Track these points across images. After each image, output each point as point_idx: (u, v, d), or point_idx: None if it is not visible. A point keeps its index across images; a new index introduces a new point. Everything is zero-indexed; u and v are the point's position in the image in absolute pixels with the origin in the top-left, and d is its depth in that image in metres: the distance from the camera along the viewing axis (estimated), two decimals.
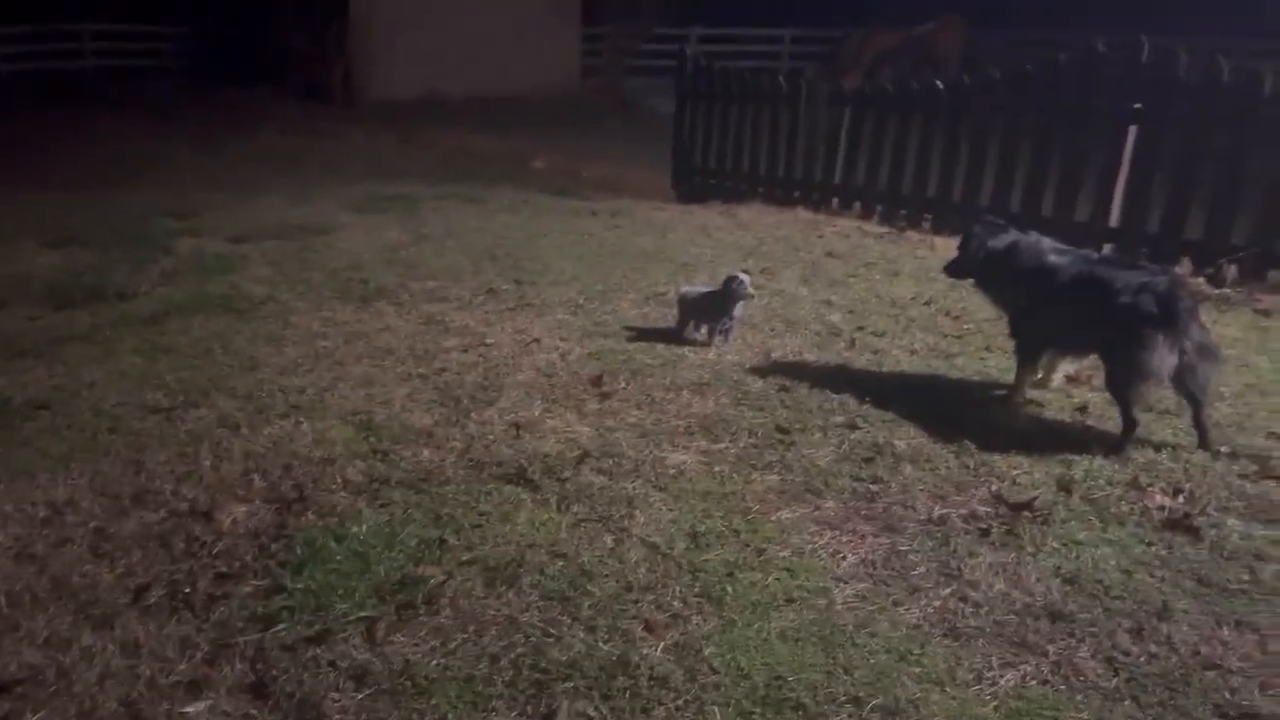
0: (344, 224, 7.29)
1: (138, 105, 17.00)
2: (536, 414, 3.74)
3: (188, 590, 2.59)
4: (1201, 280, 5.68)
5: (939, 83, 7.62)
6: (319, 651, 2.34)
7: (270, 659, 2.32)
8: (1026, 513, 3.02)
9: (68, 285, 5.47)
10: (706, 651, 2.36)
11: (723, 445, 3.50)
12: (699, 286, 4.81)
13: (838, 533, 2.94)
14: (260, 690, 2.23)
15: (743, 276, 4.50)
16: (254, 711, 2.17)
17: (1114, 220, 6.42)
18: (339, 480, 3.18)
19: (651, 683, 2.25)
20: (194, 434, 3.51)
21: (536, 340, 4.58)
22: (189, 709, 2.17)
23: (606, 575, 2.68)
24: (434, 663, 2.31)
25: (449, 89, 18.92)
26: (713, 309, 4.56)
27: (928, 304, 5.24)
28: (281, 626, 2.43)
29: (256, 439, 3.47)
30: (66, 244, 6.48)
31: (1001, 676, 2.31)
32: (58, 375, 4.09)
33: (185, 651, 2.35)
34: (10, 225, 6.94)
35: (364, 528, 2.87)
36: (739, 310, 4.53)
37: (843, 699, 2.22)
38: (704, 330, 4.61)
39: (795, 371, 4.21)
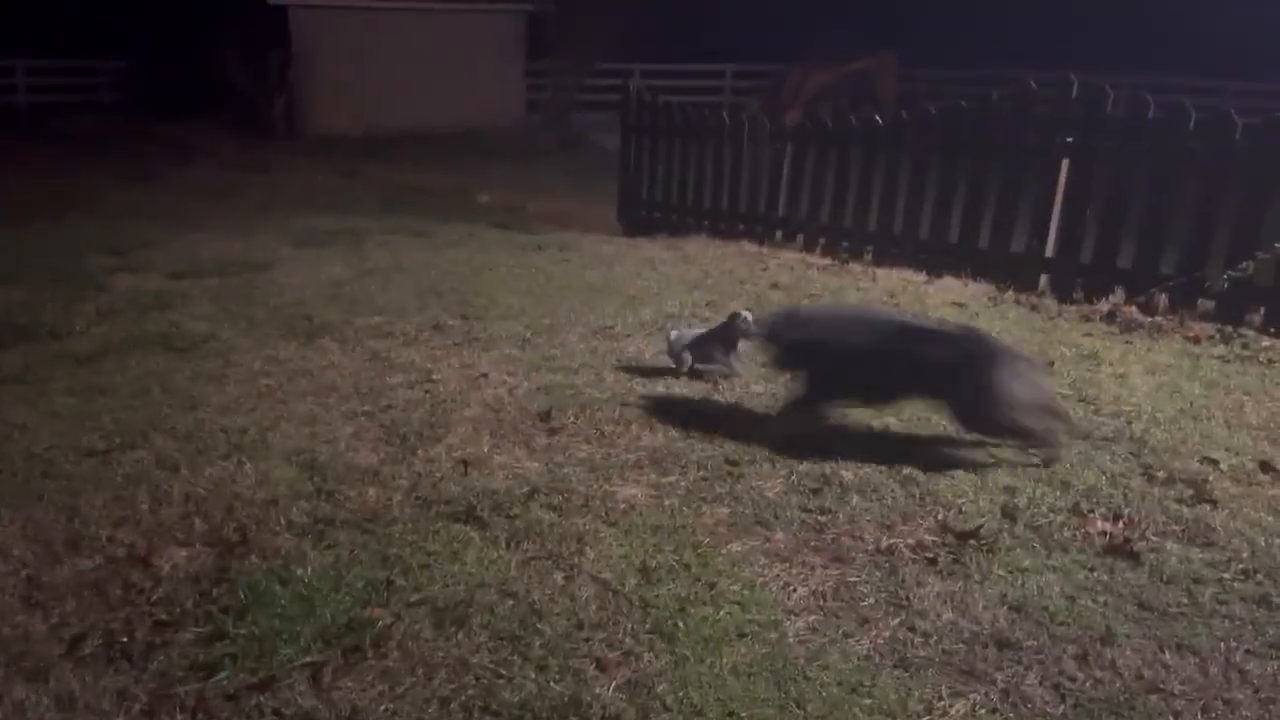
0: (286, 259, 7.21)
1: (72, 139, 16.68)
2: (485, 450, 3.71)
3: (125, 639, 2.51)
4: (1134, 309, 5.83)
5: (877, 118, 7.78)
6: (263, 699, 2.28)
7: (212, 709, 2.26)
8: (972, 541, 3.06)
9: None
10: (659, 689, 2.35)
11: (672, 478, 3.50)
12: (690, 329, 4.75)
13: (788, 565, 2.95)
14: None
15: (745, 314, 4.48)
16: None
17: (1050, 250, 6.59)
18: (283, 521, 3.12)
19: None
20: (131, 476, 3.42)
21: (484, 375, 4.55)
22: None
23: (557, 613, 2.65)
24: (382, 708, 2.27)
25: (392, 123, 18.87)
26: (715, 348, 4.52)
27: None
28: (224, 674, 2.37)
29: (197, 480, 3.39)
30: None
31: (951, 706, 2.33)
32: None
33: (123, 703, 2.28)
34: None
35: (309, 570, 2.81)
36: (743, 348, 4.52)
37: None
38: (705, 368, 4.55)
39: (743, 403, 4.23)
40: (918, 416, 4.09)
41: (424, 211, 10.86)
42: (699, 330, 4.69)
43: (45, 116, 18.90)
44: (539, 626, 2.59)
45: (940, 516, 3.24)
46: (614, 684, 2.36)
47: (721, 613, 2.67)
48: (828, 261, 7.54)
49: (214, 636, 2.51)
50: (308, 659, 2.42)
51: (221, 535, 3.03)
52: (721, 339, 4.52)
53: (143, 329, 5.27)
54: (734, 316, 4.49)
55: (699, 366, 4.54)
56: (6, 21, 18.85)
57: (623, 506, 3.27)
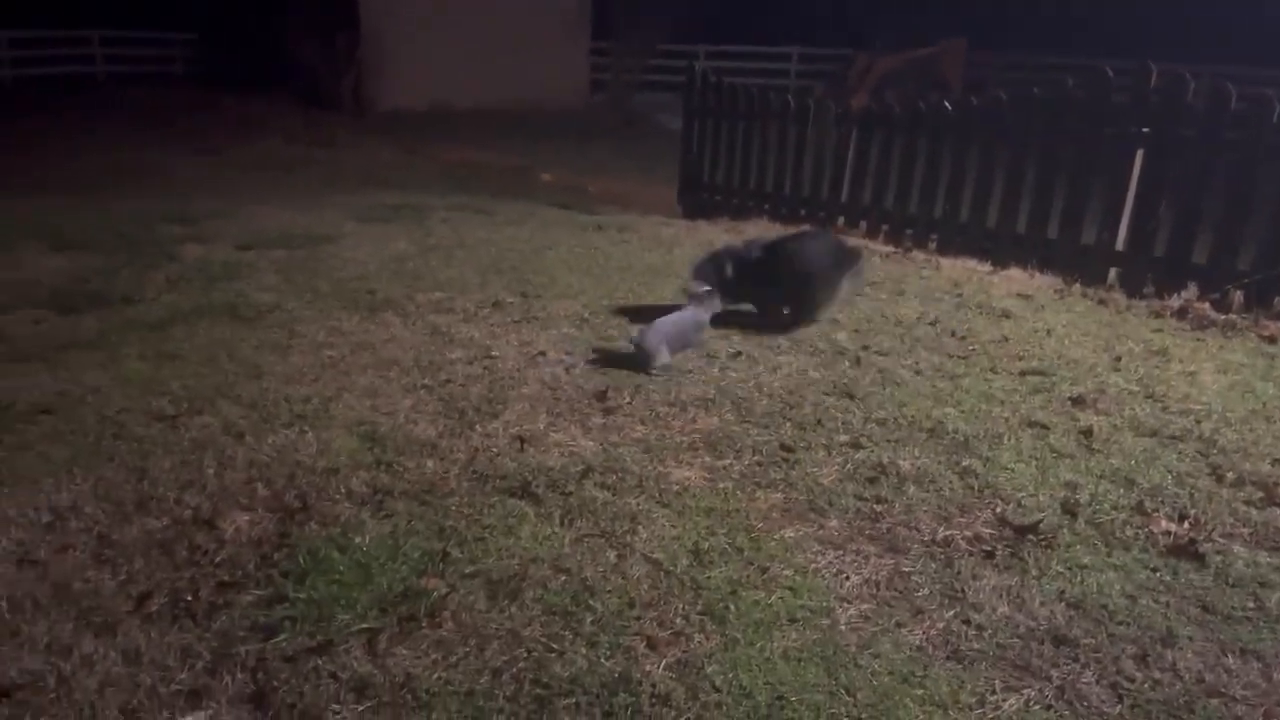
0: (350, 233, 7.31)
1: (144, 111, 17.06)
2: (541, 427, 3.73)
3: (189, 598, 2.58)
4: (1207, 305, 5.67)
5: (946, 104, 7.64)
6: (320, 662, 2.33)
7: (271, 669, 2.31)
8: (1031, 536, 3.01)
9: (73, 290, 5.47)
10: (709, 670, 2.35)
11: (726, 462, 3.49)
12: (653, 324, 4.49)
13: (841, 552, 2.93)
14: (261, 700, 2.22)
15: (699, 286, 4.80)
16: None
17: (1120, 243, 6.43)
18: (343, 490, 3.17)
19: (653, 700, 2.24)
20: (198, 441, 3.51)
21: (542, 353, 4.58)
22: (188, 718, 2.16)
23: (609, 591, 2.67)
24: (435, 676, 2.30)
25: (457, 101, 19.01)
26: (689, 330, 4.60)
27: (933, 324, 5.24)
28: (283, 637, 2.42)
29: (261, 447, 3.47)
30: (72, 249, 6.49)
31: (1005, 701, 2.30)
32: (62, 380, 4.08)
33: (186, 660, 2.34)
34: (16, 229, 6.95)
35: (367, 538, 2.86)
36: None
37: None
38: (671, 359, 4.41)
39: (800, 390, 4.21)
40: (977, 408, 4.03)
41: (486, 189, 10.93)
42: (664, 321, 4.53)
43: (119, 87, 19.36)
44: (591, 603, 2.61)
45: (999, 510, 3.19)
46: (664, 663, 2.37)
47: (773, 597, 2.67)
48: (890, 249, 7.46)
49: (274, 599, 2.57)
50: (364, 625, 2.47)
51: (283, 501, 3.09)
52: (694, 320, 4.62)
53: (211, 298, 5.38)
54: (699, 296, 4.70)
55: (664, 363, 4.37)
56: None
57: (676, 488, 3.28)
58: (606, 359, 4.49)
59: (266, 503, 3.09)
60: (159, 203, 8.77)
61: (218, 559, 2.77)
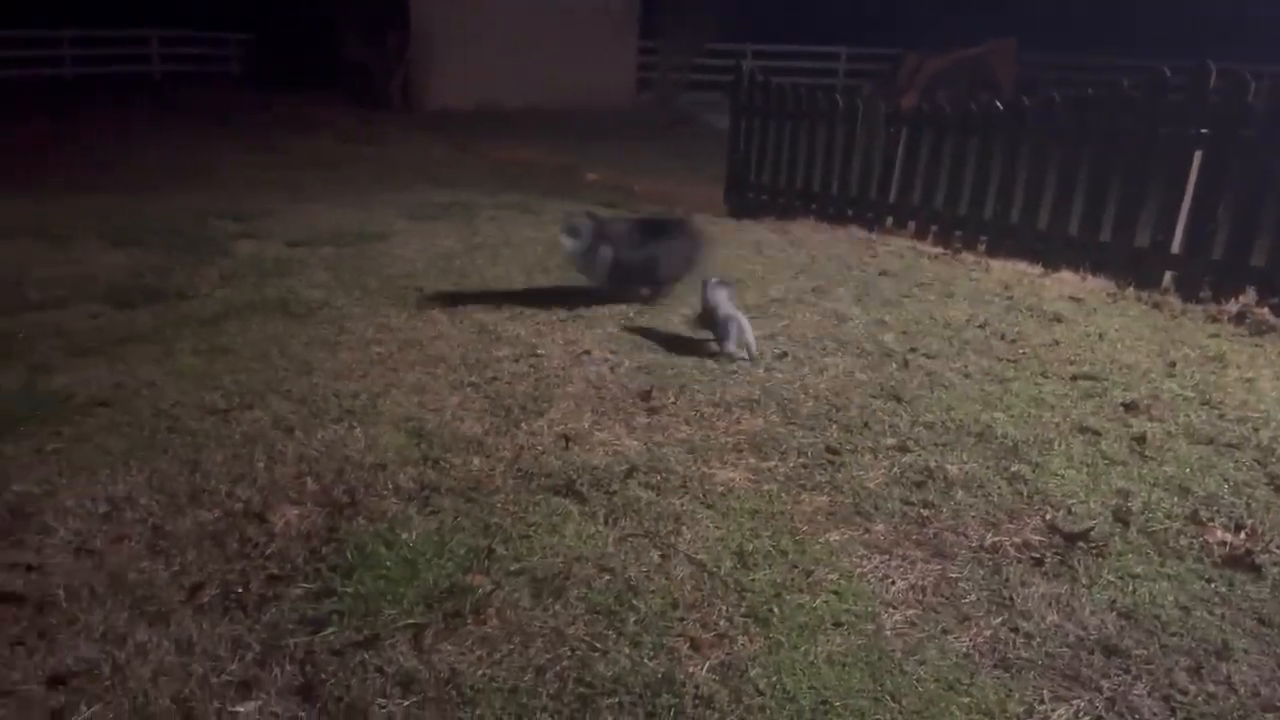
0: (399, 231, 7.38)
1: (200, 110, 17.37)
2: (586, 426, 3.75)
3: (240, 590, 2.62)
4: (1266, 310, 5.54)
5: (998, 104, 7.54)
6: (367, 657, 2.36)
7: (319, 662, 2.34)
8: (1081, 544, 2.96)
9: (129, 285, 5.59)
10: (752, 672, 2.35)
11: (771, 464, 3.48)
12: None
13: (887, 557, 2.90)
14: (309, 693, 2.25)
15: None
16: (302, 714, 2.19)
17: (1176, 246, 6.30)
18: (390, 486, 3.21)
19: (696, 702, 2.24)
20: (249, 435, 3.57)
21: (587, 352, 4.59)
22: (239, 709, 2.19)
23: (653, 591, 2.67)
24: (480, 672, 2.32)
25: (505, 100, 19.13)
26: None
27: (982, 327, 5.18)
28: (331, 630, 2.45)
29: (310, 442, 3.52)
30: (128, 244, 6.63)
31: (1053, 711, 2.26)
32: (119, 374, 4.17)
33: (237, 651, 2.38)
34: (74, 225, 7.11)
35: (413, 534, 2.89)
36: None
37: None
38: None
39: (847, 392, 4.18)
40: (1027, 413, 3.98)
41: (533, 188, 10.99)
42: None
43: (176, 87, 19.73)
44: (634, 603, 2.61)
45: (1048, 516, 3.15)
46: (707, 665, 2.37)
47: (818, 601, 2.65)
48: (939, 250, 7.38)
49: (322, 593, 2.60)
50: (410, 621, 2.49)
51: (332, 496, 3.13)
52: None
53: (262, 294, 5.47)
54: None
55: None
56: None
57: (721, 489, 3.27)
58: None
59: (315, 497, 3.13)
60: (213, 200, 8.94)
61: (267, 552, 2.81)
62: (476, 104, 18.97)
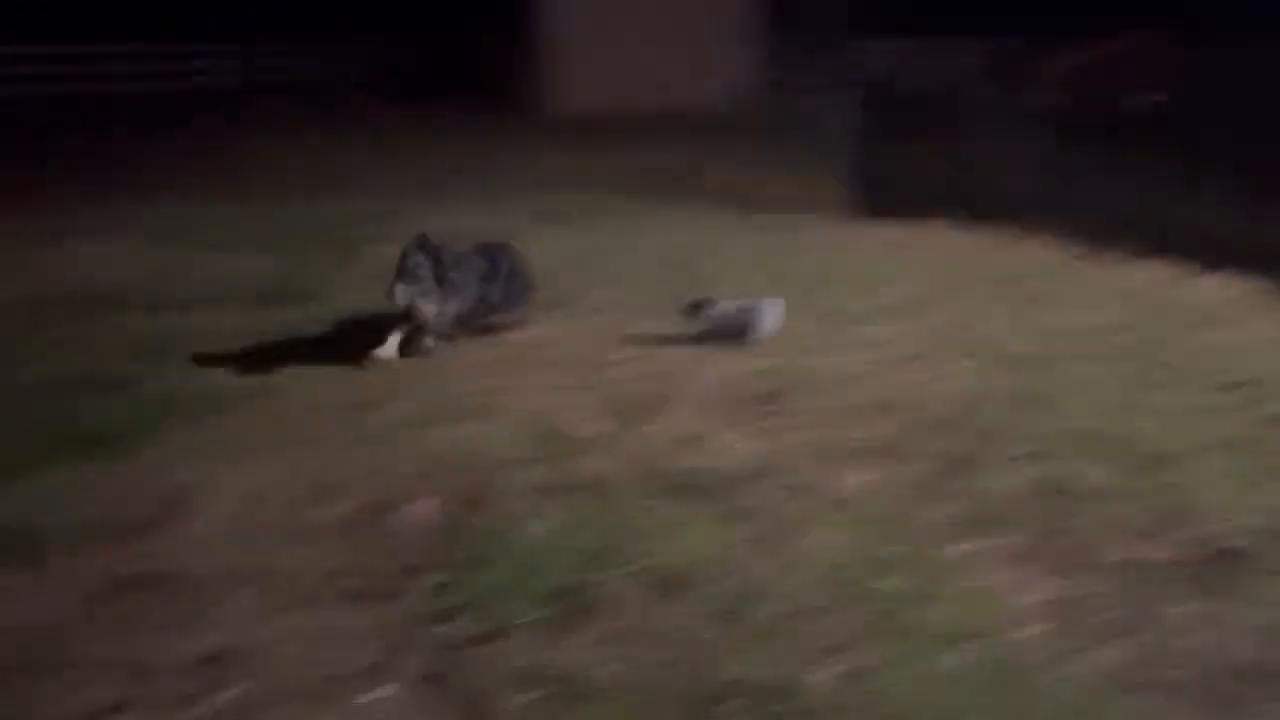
0: (525, 233, 7.48)
1: (332, 114, 18.06)
2: (708, 428, 3.73)
3: (373, 580, 2.71)
4: None
5: (1145, 100, 7.19)
6: (493, 650, 2.41)
7: (447, 653, 2.41)
8: (1232, 561, 2.79)
9: (273, 287, 5.85)
10: (877, 682, 2.29)
11: (901, 469, 3.40)
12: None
13: (1020, 569, 2.80)
14: (437, 682, 2.31)
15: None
16: (431, 702, 2.25)
17: None
18: (515, 483, 3.27)
19: (820, 709, 2.21)
20: (384, 431, 3.69)
21: (709, 353, 4.58)
22: (371, 695, 2.27)
23: (776, 595, 2.64)
24: (602, 670, 2.34)
25: (631, 102, 19.24)
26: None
27: (1127, 331, 4.94)
28: (457, 622, 2.51)
29: (440, 439, 3.61)
30: (271, 247, 6.93)
31: None
32: (265, 370, 4.37)
33: (369, 639, 2.46)
34: (225, 230, 7.49)
35: (538, 531, 2.94)
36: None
37: None
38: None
39: (981, 396, 4.04)
40: (1176, 422, 3.77)
41: (657, 189, 11.01)
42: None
43: (310, 93, 20.56)
44: (757, 606, 2.58)
45: (1198, 531, 2.97)
46: (831, 671, 2.33)
47: (946, 612, 2.57)
48: (1081, 251, 7.06)
49: (451, 586, 2.67)
50: (534, 615, 2.53)
51: (460, 492, 3.21)
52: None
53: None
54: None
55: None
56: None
57: (847, 494, 3.21)
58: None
59: (445, 492, 3.22)
60: (347, 203, 9.27)
61: (399, 544, 2.90)
62: (602, 106, 19.13)
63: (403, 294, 4.34)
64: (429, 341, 4.50)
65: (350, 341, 4.75)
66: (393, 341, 4.40)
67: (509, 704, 2.23)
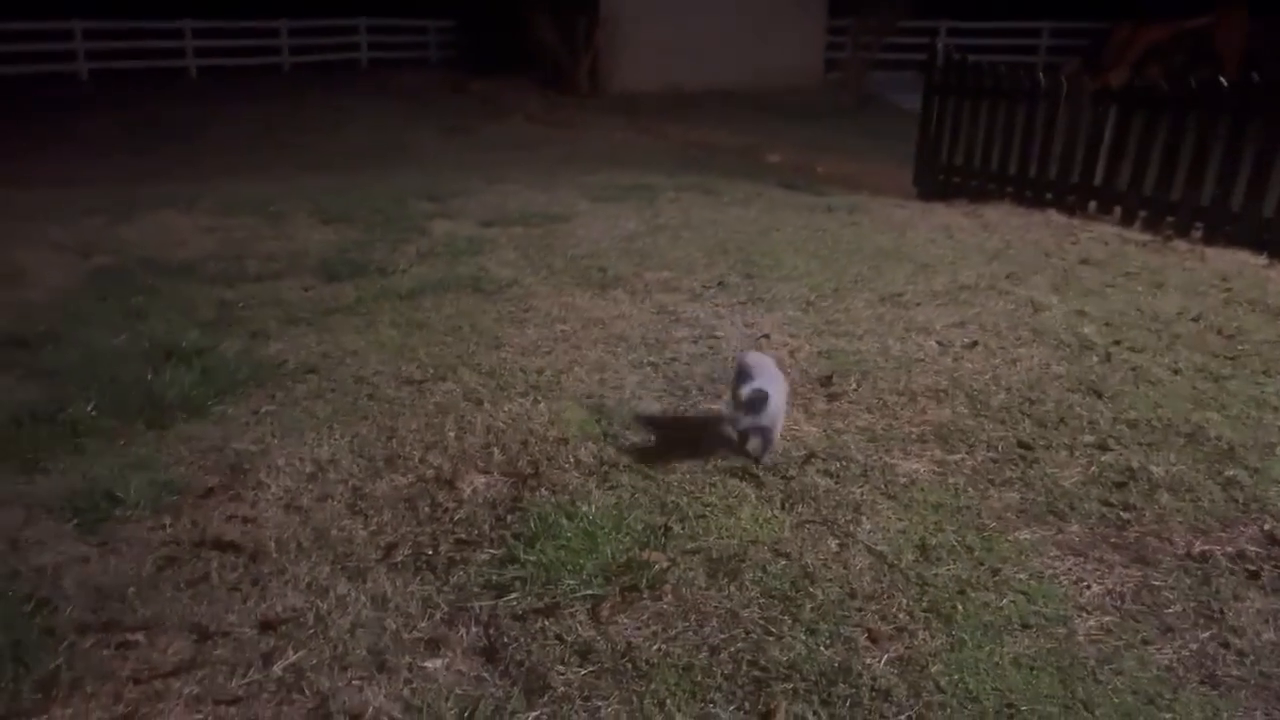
0: (584, 212, 7.53)
1: (400, 94, 18.24)
2: None
3: (430, 553, 2.75)
4: None
5: (1221, 80, 6.96)
6: (547, 624, 2.43)
7: (502, 626, 2.43)
8: None
9: (336, 260, 5.94)
10: (933, 669, 2.27)
11: (958, 457, 3.35)
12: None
13: (1082, 560, 2.75)
14: (492, 655, 2.34)
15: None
16: (485, 674, 2.28)
17: None
18: (571, 460, 3.29)
19: (873, 694, 2.19)
20: (441, 406, 3.73)
21: (766, 335, 4.55)
22: (428, 664, 2.30)
23: (829, 579, 2.63)
24: (655, 647, 2.35)
25: (689, 81, 19.16)
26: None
27: (1196, 320, 4.81)
28: (513, 596, 2.54)
29: (497, 414, 3.64)
30: (335, 222, 7.04)
31: None
32: (325, 343, 4.44)
33: (426, 610, 2.50)
34: (289, 203, 7.61)
35: (593, 508, 2.95)
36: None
37: None
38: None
39: (1042, 384, 3.97)
40: (1246, 414, 3.67)
41: (715, 169, 10.96)
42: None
43: (381, 72, 20.80)
44: (811, 590, 2.57)
45: (1267, 526, 2.90)
46: (885, 657, 2.31)
47: (1005, 600, 2.54)
48: (1148, 237, 6.89)
49: (506, 559, 2.70)
50: (588, 592, 2.55)
51: (517, 467, 3.24)
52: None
53: (455, 271, 5.70)
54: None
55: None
56: None
57: (903, 480, 3.18)
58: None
59: (501, 467, 3.25)
60: (412, 180, 9.37)
61: (456, 517, 2.94)
62: (662, 86, 19.07)
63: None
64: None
65: (411, 319, 4.81)
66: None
67: (562, 678, 2.25)
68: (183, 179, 9.72)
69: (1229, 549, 2.79)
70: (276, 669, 2.27)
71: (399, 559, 2.72)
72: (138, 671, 2.26)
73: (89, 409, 3.61)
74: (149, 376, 3.91)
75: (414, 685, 2.23)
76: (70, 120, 14.65)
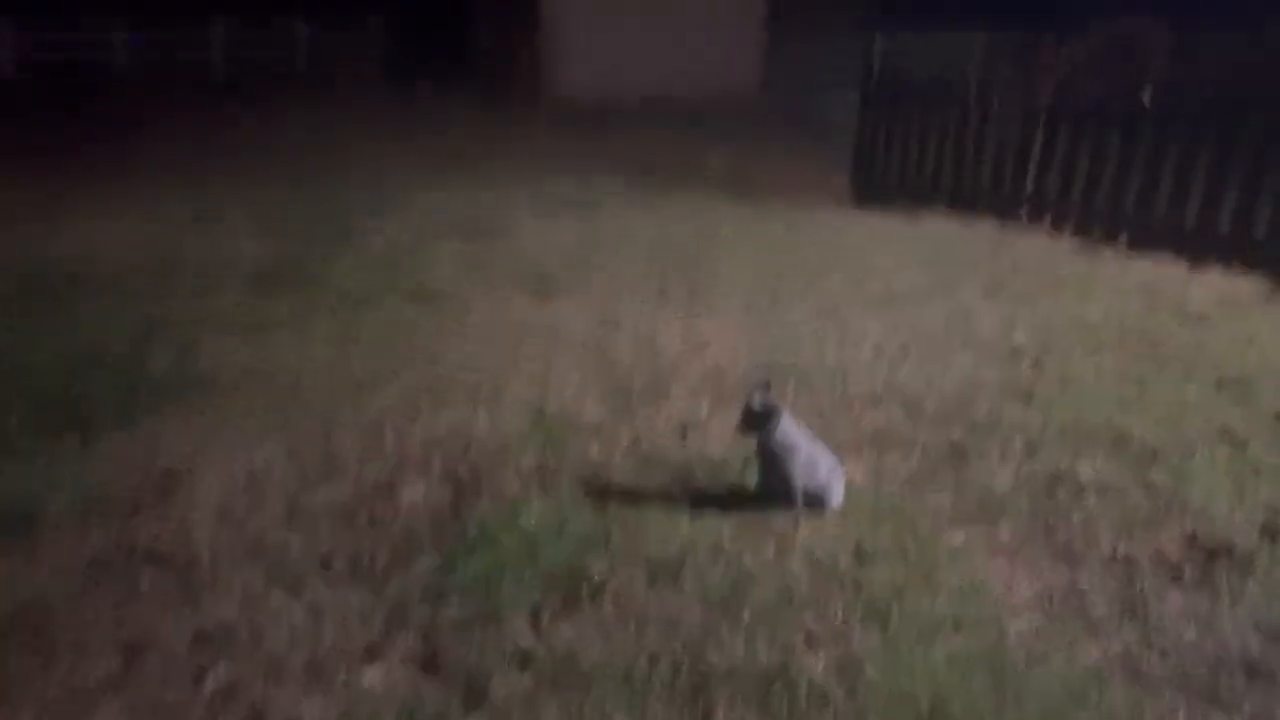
0: (524, 222, 7.51)
1: (337, 100, 18.03)
2: (703, 416, 3.74)
3: (368, 562, 2.72)
4: None
5: (1143, 95, 7.18)
6: (487, 632, 2.42)
7: (441, 635, 2.42)
8: (1224, 557, 2.81)
9: (270, 271, 5.84)
10: (868, 670, 2.31)
11: (893, 461, 3.41)
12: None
13: (1012, 562, 2.81)
14: (431, 663, 2.32)
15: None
16: (424, 683, 2.26)
17: None
18: (512, 468, 3.28)
19: (810, 696, 2.22)
20: (378, 416, 3.69)
21: (706, 343, 4.58)
22: (365, 674, 2.28)
23: (768, 584, 2.66)
24: (595, 654, 2.35)
25: (630, 92, 19.20)
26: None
27: (1121, 326, 4.95)
28: (453, 605, 2.53)
29: (436, 423, 3.62)
30: (270, 232, 6.92)
31: None
32: (258, 355, 4.37)
33: (364, 620, 2.47)
34: (221, 213, 7.48)
35: (533, 516, 2.95)
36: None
37: None
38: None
39: (974, 390, 4.05)
40: (1168, 417, 3.79)
41: (655, 179, 10.99)
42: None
43: (318, 79, 20.54)
44: (749, 594, 2.60)
45: (1188, 527, 2.99)
46: (822, 661, 2.34)
47: (938, 602, 2.59)
48: (1077, 245, 7.07)
49: (445, 568, 2.68)
50: (528, 600, 2.54)
51: (456, 476, 3.22)
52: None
53: (393, 282, 5.63)
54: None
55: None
56: None
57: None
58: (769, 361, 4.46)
59: (441, 476, 3.23)
60: (348, 190, 9.24)
61: (394, 527, 2.91)
62: (602, 95, 19.09)
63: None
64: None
65: (347, 330, 4.76)
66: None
67: (502, 686, 2.24)
68: (108, 185, 9.49)
69: (1152, 550, 2.87)
70: (209, 683, 2.23)
71: (335, 569, 2.69)
72: (63, 690, 2.20)
73: (12, 422, 3.51)
74: (75, 389, 3.82)
75: (352, 696, 2.20)
76: None
